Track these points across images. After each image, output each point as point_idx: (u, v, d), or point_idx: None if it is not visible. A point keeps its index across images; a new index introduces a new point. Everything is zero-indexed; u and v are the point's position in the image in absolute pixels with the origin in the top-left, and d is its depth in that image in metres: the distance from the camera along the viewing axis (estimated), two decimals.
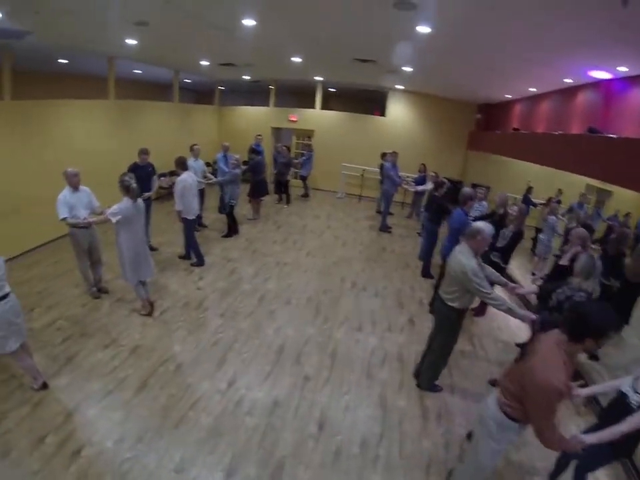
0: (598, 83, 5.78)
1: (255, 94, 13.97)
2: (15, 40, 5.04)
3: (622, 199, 7.23)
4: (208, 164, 9.88)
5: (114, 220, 3.58)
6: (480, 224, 2.79)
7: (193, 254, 5.51)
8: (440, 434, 2.87)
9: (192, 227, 5.39)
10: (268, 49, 6.26)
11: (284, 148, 9.21)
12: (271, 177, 9.68)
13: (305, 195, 10.11)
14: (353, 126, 10.71)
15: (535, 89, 7.83)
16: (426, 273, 5.75)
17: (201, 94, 13.99)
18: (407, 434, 2.83)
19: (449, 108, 10.20)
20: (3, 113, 5.07)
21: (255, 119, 11.23)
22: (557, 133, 6.59)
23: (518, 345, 4.07)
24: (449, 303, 2.84)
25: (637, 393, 2.05)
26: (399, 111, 10.48)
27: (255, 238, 6.81)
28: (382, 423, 2.92)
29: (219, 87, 11.64)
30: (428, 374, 3.26)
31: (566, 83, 6.49)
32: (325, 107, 10.92)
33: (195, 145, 6.70)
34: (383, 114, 11.39)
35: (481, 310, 4.75)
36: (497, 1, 3.23)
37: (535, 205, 6.59)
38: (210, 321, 4.14)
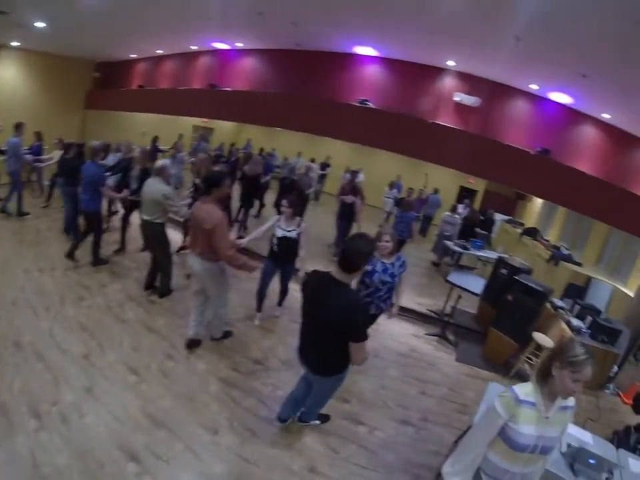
0: (217, 51, 7.64)
1: None
2: None
3: (222, 132, 10.24)
4: None
5: None
6: None
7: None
8: None
9: None
10: None
11: None
12: None
13: None
14: None
15: (161, 51, 8.76)
16: None
17: None
18: None
19: (65, 67, 9.19)
20: None
21: None
22: (182, 89, 7.91)
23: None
24: None
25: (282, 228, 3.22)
26: (11, 73, 8.47)
27: None
28: None
29: None
30: None
31: (191, 48, 7.95)
32: None
33: None
34: None
35: None
36: None
37: (162, 151, 7.44)
38: None
